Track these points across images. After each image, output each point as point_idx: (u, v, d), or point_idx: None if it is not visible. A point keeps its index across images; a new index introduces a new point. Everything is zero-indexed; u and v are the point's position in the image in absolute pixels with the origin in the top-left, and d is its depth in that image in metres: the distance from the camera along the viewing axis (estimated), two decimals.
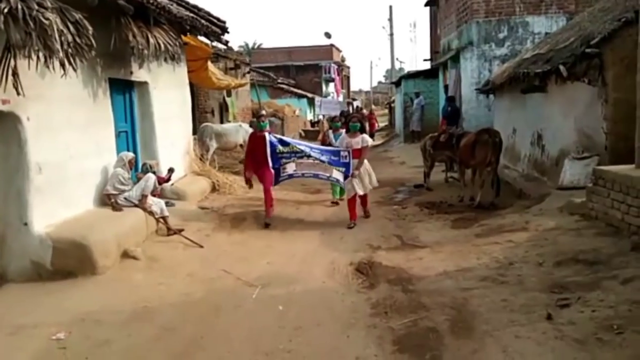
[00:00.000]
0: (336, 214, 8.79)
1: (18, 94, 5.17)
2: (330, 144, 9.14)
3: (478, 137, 8.84)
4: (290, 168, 8.22)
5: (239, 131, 11.68)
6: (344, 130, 8.85)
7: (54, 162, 6.04)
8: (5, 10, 4.32)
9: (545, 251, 5.56)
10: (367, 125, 12.59)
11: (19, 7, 4.37)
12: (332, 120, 12.57)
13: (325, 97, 37.97)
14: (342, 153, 7.98)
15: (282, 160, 8.08)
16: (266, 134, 8.02)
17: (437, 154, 10.54)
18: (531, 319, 4.17)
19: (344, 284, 5.46)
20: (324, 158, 7.96)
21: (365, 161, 8.02)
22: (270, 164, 7.98)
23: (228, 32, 10.51)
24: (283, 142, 8.19)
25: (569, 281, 4.75)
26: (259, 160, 8.03)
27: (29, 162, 5.67)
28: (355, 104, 39.33)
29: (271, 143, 8.01)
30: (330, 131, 9.75)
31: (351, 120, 8.68)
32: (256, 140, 8.12)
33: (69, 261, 5.66)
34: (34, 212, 5.69)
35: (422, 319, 4.46)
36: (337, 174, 8.14)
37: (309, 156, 8.01)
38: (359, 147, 7.90)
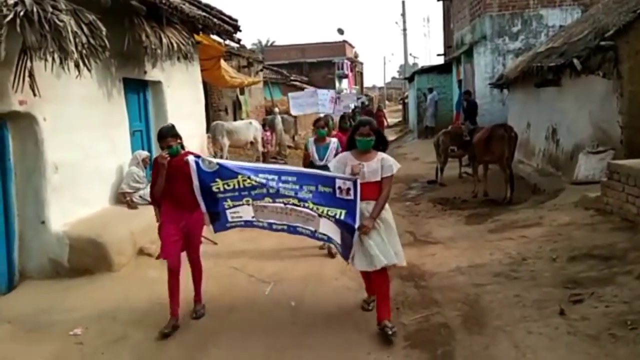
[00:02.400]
0: None
1: (34, 94, 5.28)
2: (311, 164, 6.22)
3: (493, 132, 8.80)
4: (246, 213, 4.50)
5: (249, 128, 11.76)
6: (334, 140, 6.33)
7: (70, 161, 6.14)
8: (21, 13, 4.41)
9: (559, 246, 5.52)
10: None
11: (34, 9, 4.46)
12: (342, 119, 12.24)
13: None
14: (338, 182, 4.14)
15: (224, 203, 4.41)
16: (190, 158, 4.34)
17: (452, 151, 10.48)
18: (544, 315, 4.15)
19: (356, 280, 5.46)
20: (304, 195, 4.18)
21: (387, 206, 4.28)
22: (204, 207, 4.44)
23: (240, 31, 10.55)
24: (224, 172, 4.31)
25: (582, 277, 4.71)
26: (181, 200, 4.48)
27: (46, 161, 5.78)
28: (361, 99, 33.53)
29: (201, 173, 4.31)
30: (311, 140, 6.50)
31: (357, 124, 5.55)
32: (175, 169, 4.42)
33: (86, 259, 5.76)
34: (51, 211, 5.79)
35: (434, 315, 4.47)
36: (328, 227, 4.33)
37: (275, 194, 4.25)
38: (377, 178, 4.14)
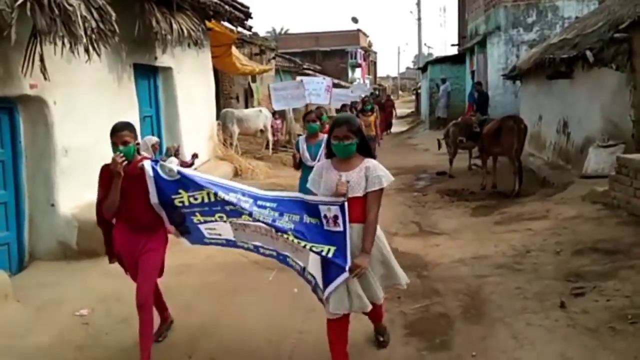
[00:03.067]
0: None
1: (45, 78, 5.34)
2: (302, 165, 5.61)
3: (503, 124, 8.73)
4: (226, 232, 3.69)
5: (259, 116, 11.80)
6: (326, 136, 4.27)
7: (79, 145, 6.21)
8: None
9: (564, 240, 5.50)
10: (374, 116, 11.59)
11: None
12: (363, 103, 12.77)
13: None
14: (322, 209, 3.25)
15: (192, 217, 3.55)
16: (146, 162, 3.49)
17: (460, 142, 10.44)
18: (544, 307, 4.16)
19: None
20: (283, 225, 3.25)
21: (378, 230, 3.39)
22: (167, 219, 3.61)
23: (251, 18, 10.57)
24: (188, 183, 3.43)
25: (585, 270, 4.70)
26: (138, 220, 3.58)
27: (56, 145, 5.86)
28: (370, 88, 31.69)
29: (160, 181, 3.44)
30: (302, 139, 5.78)
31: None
32: (130, 179, 3.46)
33: (94, 241, 5.76)
34: (60, 194, 5.89)
35: (434, 305, 4.49)
36: (315, 264, 3.45)
37: (249, 216, 3.32)
38: (359, 193, 3.21)
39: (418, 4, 31.42)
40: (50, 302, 4.70)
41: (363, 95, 16.97)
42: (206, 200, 3.39)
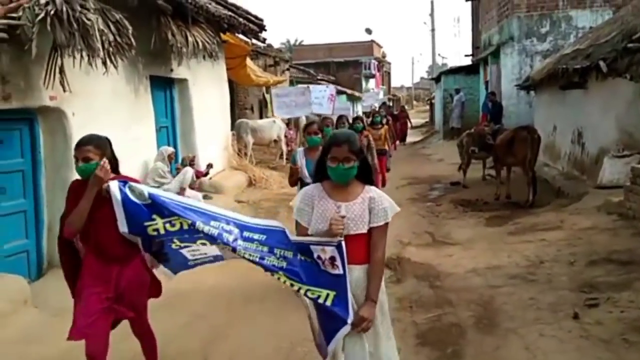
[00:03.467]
0: None
1: (65, 90, 5.48)
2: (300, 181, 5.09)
3: (516, 134, 8.72)
4: (212, 250, 2.94)
5: (273, 127, 11.90)
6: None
7: None
8: (52, 12, 4.59)
9: (578, 250, 5.47)
10: (385, 129, 10.17)
11: (64, 8, 4.64)
12: (372, 115, 11.50)
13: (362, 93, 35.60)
14: (315, 250, 2.63)
15: (170, 244, 2.97)
16: (113, 184, 2.94)
17: (472, 152, 10.42)
18: (557, 318, 4.14)
19: None
20: (273, 263, 2.66)
21: (383, 287, 2.79)
22: (141, 245, 3.05)
23: (265, 30, 10.70)
24: (162, 209, 2.84)
25: (599, 281, 4.66)
26: (108, 248, 3.08)
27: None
28: (383, 98, 30.99)
29: (129, 205, 2.90)
30: (300, 151, 5.30)
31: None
32: (100, 203, 3.00)
33: None
34: None
35: (446, 315, 4.49)
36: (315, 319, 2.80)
37: (232, 252, 2.72)
38: (363, 230, 2.66)
39: (431, 15, 31.53)
40: (66, 309, 4.72)
41: (375, 106, 15.91)
42: (185, 227, 2.77)
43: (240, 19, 9.42)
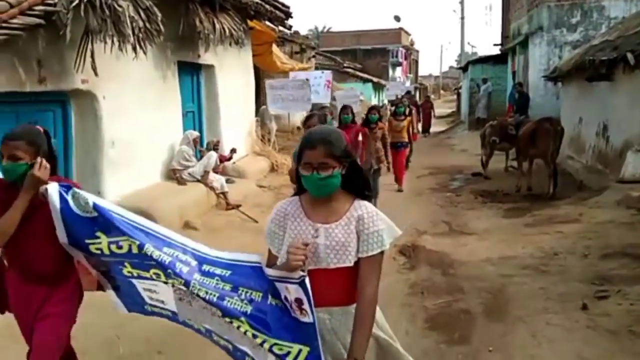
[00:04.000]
0: (386, 193, 8.68)
1: (96, 74, 5.72)
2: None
3: (539, 126, 8.67)
4: (168, 299, 2.30)
5: (295, 113, 12.00)
6: None
7: (125, 138, 6.59)
8: None
9: (593, 243, 5.49)
10: (407, 120, 9.61)
11: None
12: (395, 105, 10.71)
13: (392, 81, 34.97)
14: (280, 288, 2.02)
15: (121, 267, 2.32)
16: (52, 187, 2.31)
17: (493, 142, 10.40)
18: (566, 308, 4.21)
19: (385, 264, 5.58)
20: (234, 307, 2.05)
21: (379, 313, 2.14)
22: (85, 262, 2.42)
23: (292, 17, 10.81)
24: (107, 224, 2.27)
25: (612, 274, 4.70)
26: (37, 267, 2.50)
27: (104, 137, 6.25)
28: (407, 87, 28.03)
29: (69, 216, 2.31)
30: None
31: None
32: (30, 211, 2.40)
33: None
34: (107, 183, 6.28)
35: (456, 301, 4.60)
36: None
37: (184, 286, 2.14)
38: (349, 262, 2.01)
39: (461, 3, 31.00)
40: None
41: (399, 95, 15.04)
42: (135, 250, 2.24)
43: (267, 6, 9.54)
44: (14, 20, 4.39)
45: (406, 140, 9.49)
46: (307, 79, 11.15)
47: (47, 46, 5.27)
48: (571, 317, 4.04)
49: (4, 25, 4.29)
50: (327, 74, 12.52)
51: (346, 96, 12.80)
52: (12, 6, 4.39)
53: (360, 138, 6.42)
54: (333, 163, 1.97)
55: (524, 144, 8.88)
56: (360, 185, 2.09)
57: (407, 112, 9.98)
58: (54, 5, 4.74)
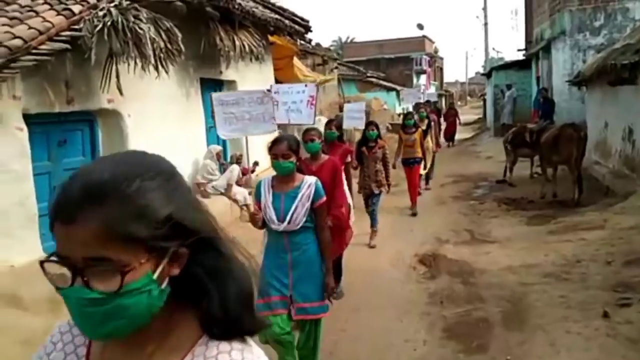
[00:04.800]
0: (408, 207, 8.73)
1: (121, 94, 5.95)
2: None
3: (562, 132, 8.59)
4: None
5: (317, 125, 12.10)
6: (308, 180, 3.30)
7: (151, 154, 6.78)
8: (109, 23, 5.03)
9: (617, 250, 5.41)
10: (419, 133, 8.52)
11: (119, 19, 5.07)
12: (404, 116, 9.53)
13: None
14: None
15: None
16: None
17: (517, 150, 10.32)
18: (586, 316, 4.17)
19: (406, 273, 5.69)
20: None
21: None
22: None
23: (311, 31, 10.97)
24: None
25: (635, 281, 4.63)
26: None
27: None
28: (429, 94, 26.20)
29: None
30: (266, 181, 3.38)
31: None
32: None
33: None
34: None
35: (476, 310, 4.60)
36: None
37: None
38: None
39: (484, 9, 30.80)
40: None
41: (414, 104, 12.42)
42: None
43: (286, 22, 9.72)
44: (43, 46, 4.63)
45: (419, 155, 8.41)
46: (268, 90, 7.88)
47: (74, 69, 5.52)
48: (591, 325, 4.00)
49: (33, 51, 4.53)
50: (311, 89, 8.12)
51: (352, 110, 10.33)
52: (41, 33, 4.63)
53: (348, 160, 5.54)
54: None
55: (547, 150, 8.79)
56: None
57: (416, 125, 8.73)
58: (79, 30, 4.97)
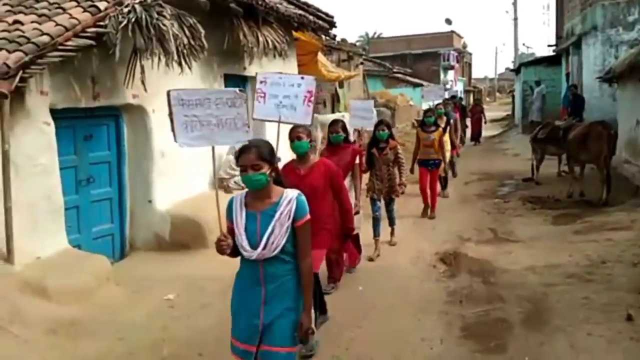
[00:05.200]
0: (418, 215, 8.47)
1: (145, 89, 6.04)
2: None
3: (591, 129, 8.38)
4: None
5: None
6: (289, 194, 2.74)
7: (174, 149, 6.73)
8: (133, 19, 5.11)
9: None
10: (439, 132, 7.96)
11: (143, 16, 5.14)
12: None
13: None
14: None
15: None
16: None
17: (542, 147, 10.15)
18: (609, 319, 4.09)
19: (425, 272, 5.65)
20: None
21: None
22: None
23: (335, 27, 10.91)
24: None
25: None
26: None
27: (154, 148, 6.57)
28: (442, 93, 24.85)
29: None
30: (238, 199, 2.81)
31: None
32: None
33: (184, 235, 6.47)
34: (157, 192, 6.58)
35: (495, 310, 4.54)
36: None
37: None
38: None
39: (514, 4, 30.27)
40: (143, 287, 5.33)
41: (436, 102, 11.12)
42: None
43: (310, 17, 9.70)
44: (69, 43, 4.74)
45: (438, 157, 7.88)
46: (240, 89, 4.56)
47: (100, 64, 5.63)
48: (613, 327, 3.93)
49: (59, 47, 4.64)
50: (309, 81, 5.91)
51: (358, 109, 8.38)
52: (67, 30, 4.73)
53: (357, 161, 5.32)
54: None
55: (575, 148, 8.59)
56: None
57: (437, 123, 8.14)
58: (105, 26, 5.06)
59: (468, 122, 18.39)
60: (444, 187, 9.45)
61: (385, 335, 4.20)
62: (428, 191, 8.06)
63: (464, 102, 22.42)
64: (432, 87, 18.62)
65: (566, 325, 4.08)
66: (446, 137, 8.64)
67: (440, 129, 8.02)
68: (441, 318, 4.47)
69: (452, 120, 10.14)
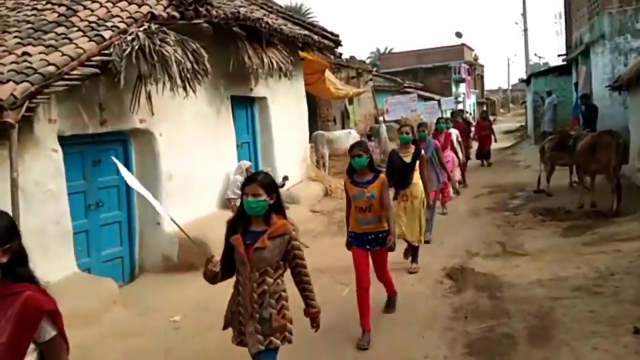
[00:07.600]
0: (440, 221, 8.58)
1: (152, 114, 6.18)
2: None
3: (599, 139, 8.30)
4: None
5: (348, 138, 12.15)
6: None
7: (182, 171, 7.01)
8: (136, 46, 5.26)
9: None
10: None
11: (147, 43, 5.29)
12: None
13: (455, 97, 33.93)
14: None
15: None
16: None
17: (551, 157, 10.08)
18: (616, 332, 4.03)
19: (431, 288, 5.62)
20: None
21: None
22: None
23: (341, 45, 11.08)
24: None
25: None
26: None
27: (161, 171, 6.70)
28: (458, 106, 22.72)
29: None
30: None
31: None
32: None
33: (192, 256, 6.50)
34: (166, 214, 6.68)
35: (500, 325, 4.50)
36: None
37: None
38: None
39: (524, 15, 30.17)
40: (150, 309, 5.40)
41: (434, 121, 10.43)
42: None
43: (315, 37, 9.85)
44: (74, 72, 4.89)
45: (382, 226, 4.63)
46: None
47: (107, 91, 5.79)
48: (620, 341, 3.87)
49: (65, 76, 4.79)
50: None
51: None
52: (72, 59, 4.89)
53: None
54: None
55: (584, 158, 8.51)
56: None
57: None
58: (109, 54, 5.22)
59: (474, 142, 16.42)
60: (413, 258, 6.23)
61: (388, 353, 4.19)
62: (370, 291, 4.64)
63: (471, 117, 21.14)
64: (400, 98, 16.62)
65: (571, 340, 4.03)
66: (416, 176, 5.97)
67: (382, 176, 4.64)
68: (445, 334, 4.44)
69: (430, 151, 7.00)
